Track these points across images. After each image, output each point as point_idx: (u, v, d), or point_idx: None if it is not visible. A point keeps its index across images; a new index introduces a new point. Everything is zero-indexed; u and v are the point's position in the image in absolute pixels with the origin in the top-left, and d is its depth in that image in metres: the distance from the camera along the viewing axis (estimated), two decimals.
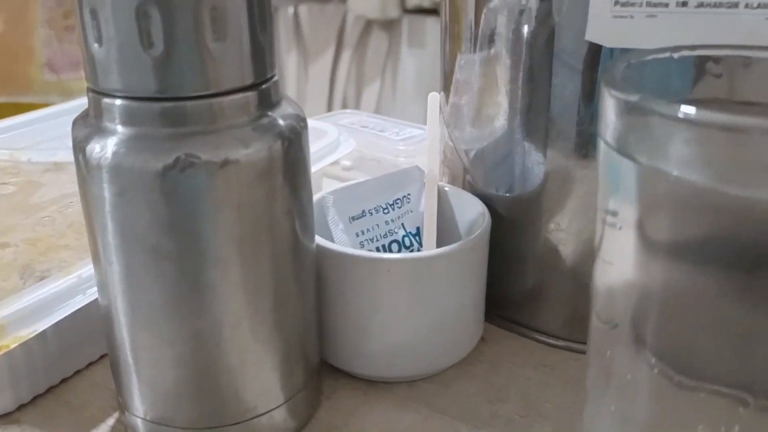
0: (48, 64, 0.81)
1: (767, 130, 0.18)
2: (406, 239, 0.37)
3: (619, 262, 0.24)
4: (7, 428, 0.33)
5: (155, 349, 0.28)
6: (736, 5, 0.27)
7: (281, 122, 0.28)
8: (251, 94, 0.27)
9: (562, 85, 0.33)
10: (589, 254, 0.34)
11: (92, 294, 0.34)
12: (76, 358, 0.35)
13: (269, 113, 0.27)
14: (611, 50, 0.31)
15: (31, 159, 0.50)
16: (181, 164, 0.25)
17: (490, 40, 0.35)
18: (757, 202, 0.19)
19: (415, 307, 0.33)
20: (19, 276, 0.36)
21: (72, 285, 0.34)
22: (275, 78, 0.28)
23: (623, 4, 0.28)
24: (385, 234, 0.37)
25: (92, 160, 0.26)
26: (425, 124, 0.39)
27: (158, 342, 0.28)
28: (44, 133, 0.55)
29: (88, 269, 0.35)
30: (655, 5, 0.27)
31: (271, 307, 0.29)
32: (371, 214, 0.36)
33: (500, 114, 0.36)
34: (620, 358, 0.26)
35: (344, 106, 1.84)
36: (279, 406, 0.30)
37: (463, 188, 0.40)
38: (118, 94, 0.25)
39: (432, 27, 1.69)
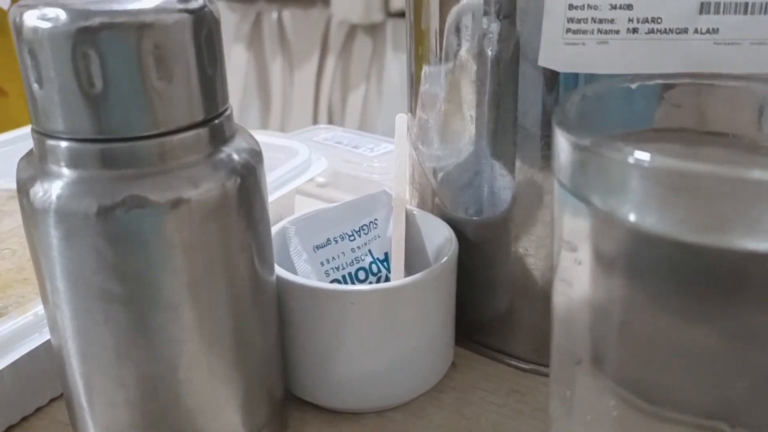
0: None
1: (719, 177, 0.18)
2: (374, 266, 0.36)
3: (577, 288, 0.24)
4: None
5: (108, 392, 0.27)
6: (685, 31, 0.27)
7: (235, 157, 0.27)
8: (202, 131, 0.26)
9: (527, 108, 0.33)
10: None
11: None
12: (36, 396, 0.35)
13: (222, 148, 0.27)
14: (574, 76, 0.30)
15: None
16: (127, 206, 0.24)
17: (454, 60, 0.34)
18: (712, 249, 0.19)
19: (382, 338, 0.33)
20: None
21: (29, 323, 0.33)
22: (228, 112, 0.27)
23: (575, 32, 0.27)
24: (352, 262, 0.36)
25: (36, 203, 0.25)
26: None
27: (111, 385, 0.27)
28: (12, 158, 0.54)
29: None
30: (607, 32, 0.27)
31: (229, 346, 0.28)
32: (336, 241, 0.35)
33: (466, 137, 0.35)
34: (581, 387, 0.25)
35: (330, 111, 1.83)
36: None
37: (432, 211, 0.39)
38: (62, 136, 0.24)
39: None
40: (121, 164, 0.24)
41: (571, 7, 0.28)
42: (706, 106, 0.25)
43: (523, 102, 0.33)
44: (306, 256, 0.35)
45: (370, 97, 1.81)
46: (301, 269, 0.34)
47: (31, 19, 0.23)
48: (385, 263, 0.37)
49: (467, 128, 0.35)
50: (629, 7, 0.27)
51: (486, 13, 0.32)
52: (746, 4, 0.27)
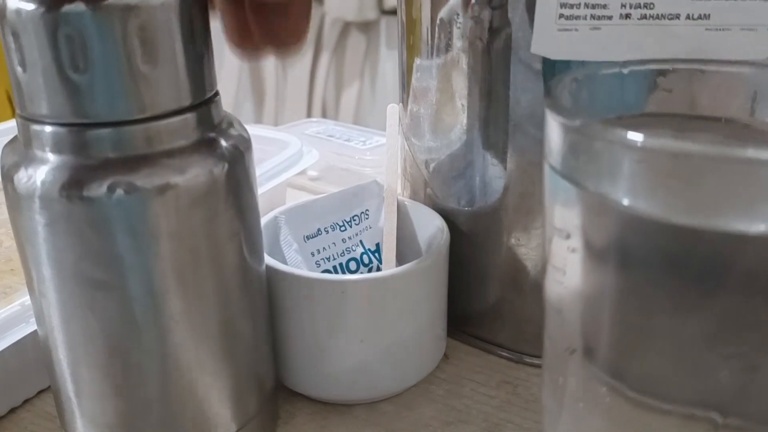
0: None
1: (711, 157, 0.18)
2: (365, 257, 0.36)
3: (570, 276, 0.24)
4: None
5: (95, 383, 0.27)
6: (677, 17, 0.27)
7: (223, 143, 0.27)
8: (189, 116, 0.25)
9: (518, 96, 0.32)
10: None
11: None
12: (24, 388, 0.34)
13: (210, 134, 0.26)
14: (567, 63, 0.30)
15: None
16: (112, 192, 0.24)
17: (446, 50, 0.34)
18: (704, 232, 0.19)
19: (373, 328, 0.32)
20: None
21: (15, 314, 0.33)
22: (216, 97, 0.27)
23: (568, 17, 0.27)
24: (343, 252, 0.36)
25: (21, 190, 0.24)
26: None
27: (98, 375, 0.27)
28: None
29: None
30: (599, 18, 0.27)
31: (217, 335, 0.28)
32: (327, 232, 0.35)
33: (458, 126, 0.35)
34: (573, 376, 0.25)
35: (323, 108, 1.83)
36: None
37: (424, 202, 0.39)
38: (46, 121, 0.24)
39: None
40: (107, 149, 0.24)
41: None
42: (698, 91, 0.25)
43: (515, 91, 0.32)
44: (296, 246, 0.34)
45: (364, 95, 1.80)
46: (291, 259, 0.34)
47: (14, 0, 0.23)
48: (376, 254, 0.37)
49: (459, 118, 0.35)
50: None
51: (478, 2, 0.32)
52: None
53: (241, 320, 0.29)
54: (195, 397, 0.28)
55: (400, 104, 0.40)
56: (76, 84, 0.23)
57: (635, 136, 0.18)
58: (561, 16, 0.27)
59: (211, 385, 0.28)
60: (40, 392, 0.35)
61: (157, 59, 0.24)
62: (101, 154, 0.24)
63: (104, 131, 0.24)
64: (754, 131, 0.24)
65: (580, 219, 0.22)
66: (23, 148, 0.25)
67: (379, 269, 0.36)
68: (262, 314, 0.30)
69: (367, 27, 1.78)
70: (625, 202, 0.20)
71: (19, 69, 0.24)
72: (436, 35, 0.34)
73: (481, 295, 0.38)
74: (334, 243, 0.35)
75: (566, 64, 0.30)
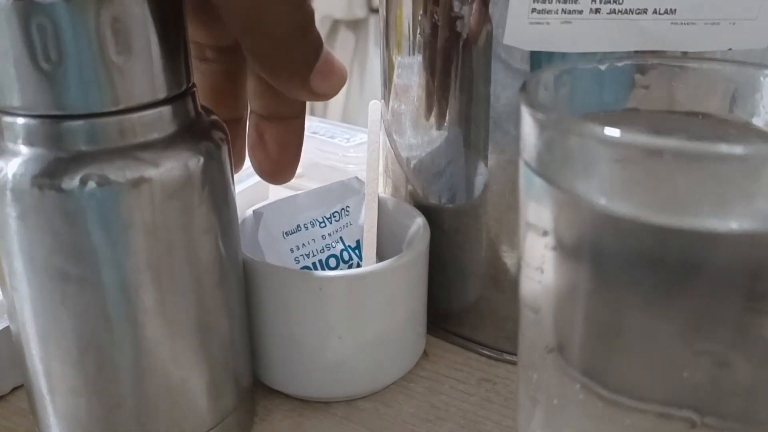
0: None
1: (684, 152, 0.17)
2: (345, 253, 0.36)
3: (547, 275, 0.24)
4: None
5: (68, 378, 0.27)
6: (644, 12, 0.28)
7: (199, 137, 0.26)
8: (164, 109, 0.25)
9: (498, 93, 0.32)
10: None
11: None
12: None
13: (185, 128, 0.26)
14: (544, 60, 0.30)
15: None
16: (85, 185, 0.24)
17: (427, 47, 0.34)
18: (676, 230, 0.19)
19: (351, 326, 0.32)
20: None
21: None
22: (193, 89, 0.27)
23: (540, 11, 0.28)
24: (322, 249, 0.35)
25: None
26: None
27: (70, 370, 0.26)
28: None
29: None
30: (570, 12, 0.28)
31: (193, 330, 0.27)
32: (306, 228, 0.35)
33: (439, 123, 0.35)
34: (547, 375, 0.25)
35: (311, 104, 1.82)
36: None
37: (406, 199, 0.39)
38: (18, 112, 0.24)
39: None
40: (80, 142, 0.24)
41: None
42: (677, 88, 0.25)
43: (495, 87, 0.32)
44: (275, 242, 0.34)
45: (353, 92, 1.80)
46: (270, 256, 0.34)
47: None
48: (356, 251, 0.36)
49: (440, 113, 0.35)
50: None
51: None
52: None
53: (217, 315, 0.28)
54: (170, 393, 0.28)
55: (382, 101, 0.40)
56: (49, 75, 0.23)
57: (609, 132, 0.18)
58: (534, 10, 0.27)
59: (187, 381, 0.28)
60: (14, 389, 0.35)
61: (131, 51, 0.24)
62: (74, 146, 0.24)
63: (77, 123, 0.24)
64: (730, 126, 0.24)
65: (554, 216, 0.22)
66: None
67: (359, 266, 0.36)
68: (238, 309, 0.30)
69: (356, 25, 1.78)
70: (599, 199, 0.20)
71: None
72: (418, 32, 0.34)
73: (461, 293, 0.37)
74: (313, 239, 0.35)
75: (548, 60, 0.30)
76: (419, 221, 0.36)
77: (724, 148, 0.17)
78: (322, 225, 0.35)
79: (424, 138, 0.36)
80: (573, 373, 0.23)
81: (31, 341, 0.26)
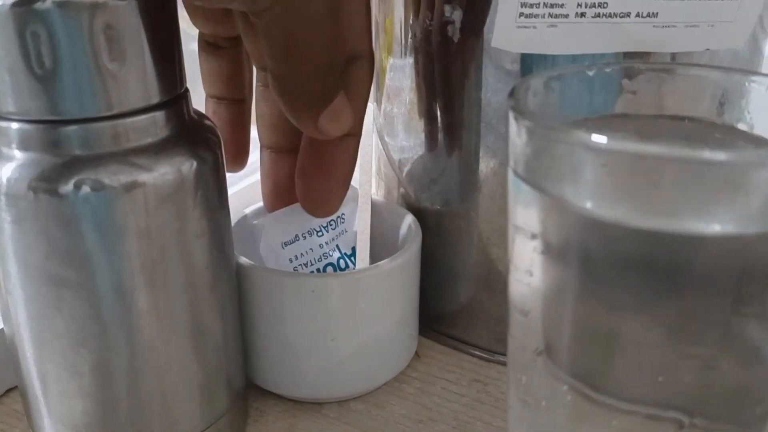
0: None
1: (668, 158, 0.18)
2: (341, 261, 0.36)
3: (536, 278, 0.24)
4: None
5: (62, 381, 0.27)
6: (628, 15, 0.29)
7: (192, 141, 0.27)
8: (158, 114, 0.25)
9: (490, 98, 0.33)
10: None
11: None
12: None
13: (179, 132, 0.26)
14: (535, 66, 0.30)
15: None
16: (79, 190, 0.24)
17: (418, 52, 0.34)
18: (663, 234, 0.19)
19: (344, 327, 0.32)
20: None
21: None
22: (186, 94, 0.27)
23: (527, 16, 0.28)
24: (320, 257, 0.36)
25: None
26: None
27: (65, 373, 0.27)
28: None
29: None
30: (556, 16, 0.29)
31: (186, 333, 0.28)
32: (304, 238, 0.35)
33: (431, 126, 0.35)
34: (536, 377, 0.25)
35: None
36: None
37: (398, 201, 0.39)
38: (13, 117, 0.24)
39: None
40: (74, 147, 0.24)
41: None
42: (665, 94, 0.25)
43: (486, 92, 0.33)
44: (275, 253, 0.34)
45: None
46: (270, 265, 0.34)
47: None
48: (352, 258, 0.37)
49: (432, 118, 0.35)
50: None
51: (449, 2, 0.32)
52: None
53: (210, 318, 0.29)
54: (164, 395, 0.28)
55: (375, 103, 0.40)
56: (43, 81, 0.23)
57: (596, 138, 0.19)
58: (521, 14, 0.28)
59: (180, 383, 0.28)
60: (8, 390, 0.35)
61: (125, 56, 0.24)
62: (68, 151, 0.24)
63: (71, 128, 0.24)
64: (718, 131, 0.25)
65: (541, 221, 0.22)
66: None
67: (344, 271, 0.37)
68: (232, 312, 0.30)
69: None
70: (586, 204, 0.20)
71: None
72: (409, 35, 0.34)
73: (453, 294, 0.38)
74: (311, 249, 0.35)
75: (539, 65, 0.31)
76: (411, 223, 0.36)
77: (707, 154, 0.18)
78: (320, 234, 0.36)
79: (416, 141, 0.36)
80: (562, 376, 0.23)
81: (25, 344, 0.27)
